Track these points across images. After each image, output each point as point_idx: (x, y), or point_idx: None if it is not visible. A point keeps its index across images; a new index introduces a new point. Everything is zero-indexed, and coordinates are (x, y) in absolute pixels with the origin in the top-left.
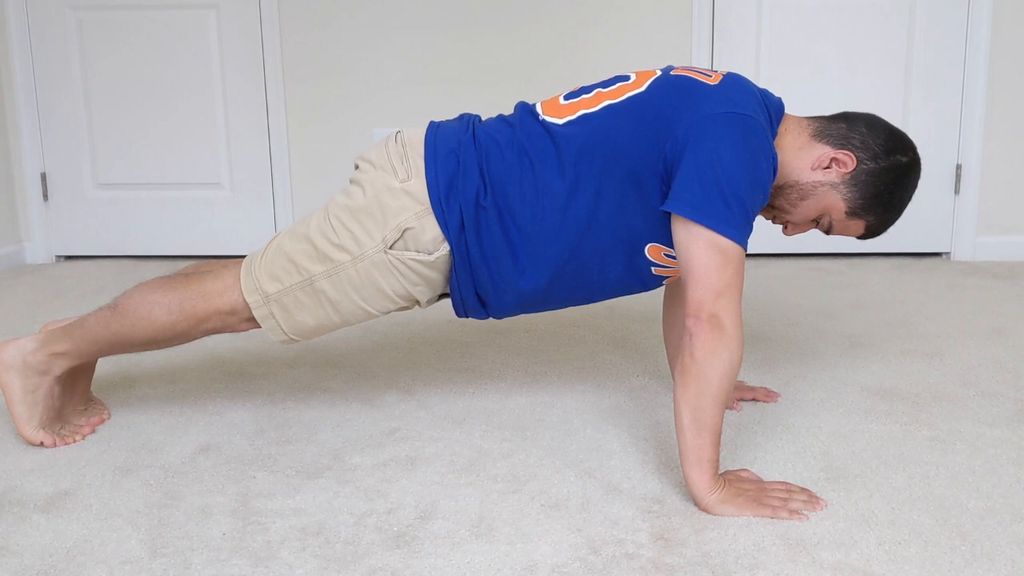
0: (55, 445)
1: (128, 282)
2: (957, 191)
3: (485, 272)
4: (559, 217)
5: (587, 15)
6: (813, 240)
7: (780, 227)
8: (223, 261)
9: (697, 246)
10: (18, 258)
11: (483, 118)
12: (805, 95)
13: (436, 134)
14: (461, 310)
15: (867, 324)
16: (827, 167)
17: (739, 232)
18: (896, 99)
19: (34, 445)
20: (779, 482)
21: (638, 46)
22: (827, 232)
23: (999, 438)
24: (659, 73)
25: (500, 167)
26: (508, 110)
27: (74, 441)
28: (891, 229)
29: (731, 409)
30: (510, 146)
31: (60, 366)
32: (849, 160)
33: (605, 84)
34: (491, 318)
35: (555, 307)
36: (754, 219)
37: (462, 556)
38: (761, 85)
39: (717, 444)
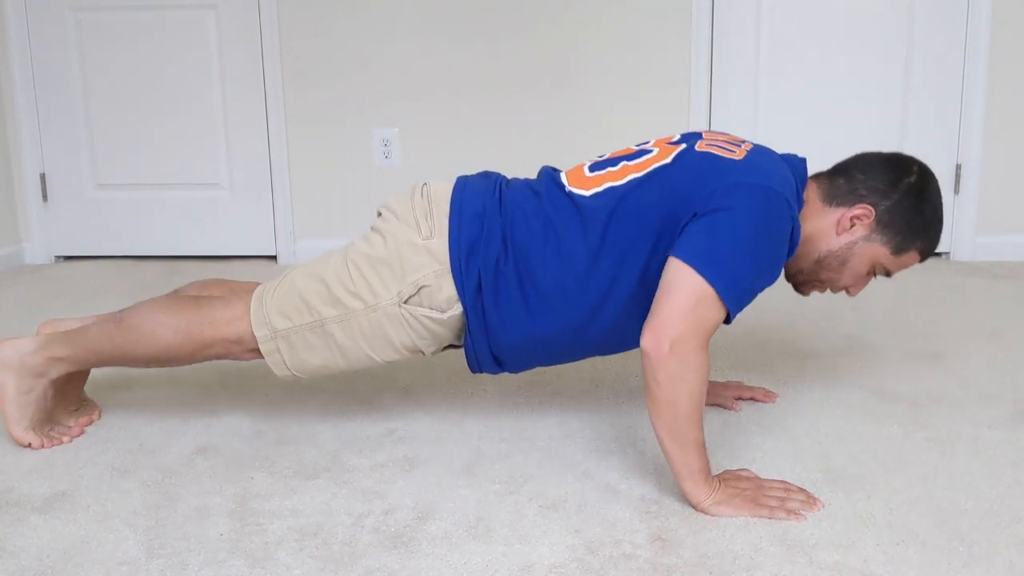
0: (42, 447)
1: (127, 282)
2: (957, 191)
3: (503, 334)
4: (581, 283)
5: (586, 19)
6: None
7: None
8: (234, 286)
9: (685, 282)
10: (17, 258)
11: (508, 180)
12: (804, 96)
13: (463, 194)
14: (475, 366)
15: (866, 325)
16: (851, 227)
17: (731, 295)
18: (896, 99)
19: (22, 446)
20: (777, 481)
21: (638, 47)
22: (888, 275)
23: (998, 439)
24: (684, 146)
25: (525, 236)
26: (506, 113)
27: (61, 443)
28: None
29: (730, 409)
30: (536, 215)
31: (57, 370)
32: (867, 211)
33: (630, 157)
34: (506, 373)
35: (573, 360)
36: (754, 294)
37: (459, 557)
38: (760, 88)
39: (702, 454)
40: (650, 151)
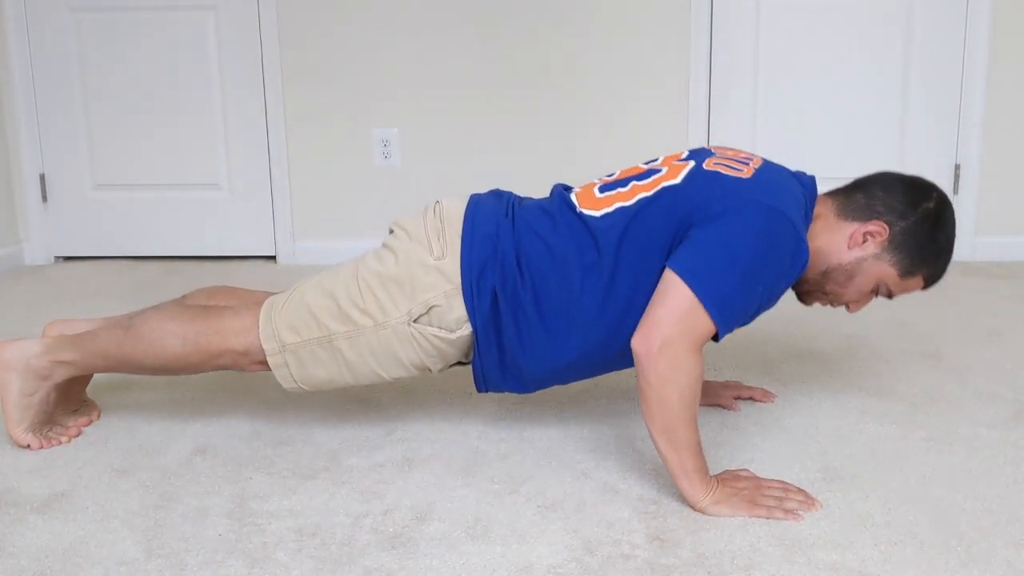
0: (41, 448)
1: (126, 283)
2: (956, 191)
3: (524, 360)
4: (599, 305)
5: (586, 20)
6: None
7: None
8: (241, 295)
9: (675, 292)
10: (17, 259)
11: (521, 199)
12: (804, 96)
13: (475, 214)
14: (482, 386)
15: (864, 324)
16: (863, 242)
17: (720, 312)
18: (895, 100)
19: (20, 447)
20: (776, 481)
21: (637, 48)
22: (889, 297)
23: (996, 439)
24: (692, 164)
25: (540, 259)
26: (505, 113)
27: (60, 443)
28: None
29: (729, 409)
30: (551, 237)
31: (62, 374)
32: (881, 229)
33: (639, 177)
34: (513, 392)
35: (592, 377)
36: (748, 315)
37: (458, 557)
38: (759, 89)
39: (697, 454)
40: (659, 170)
